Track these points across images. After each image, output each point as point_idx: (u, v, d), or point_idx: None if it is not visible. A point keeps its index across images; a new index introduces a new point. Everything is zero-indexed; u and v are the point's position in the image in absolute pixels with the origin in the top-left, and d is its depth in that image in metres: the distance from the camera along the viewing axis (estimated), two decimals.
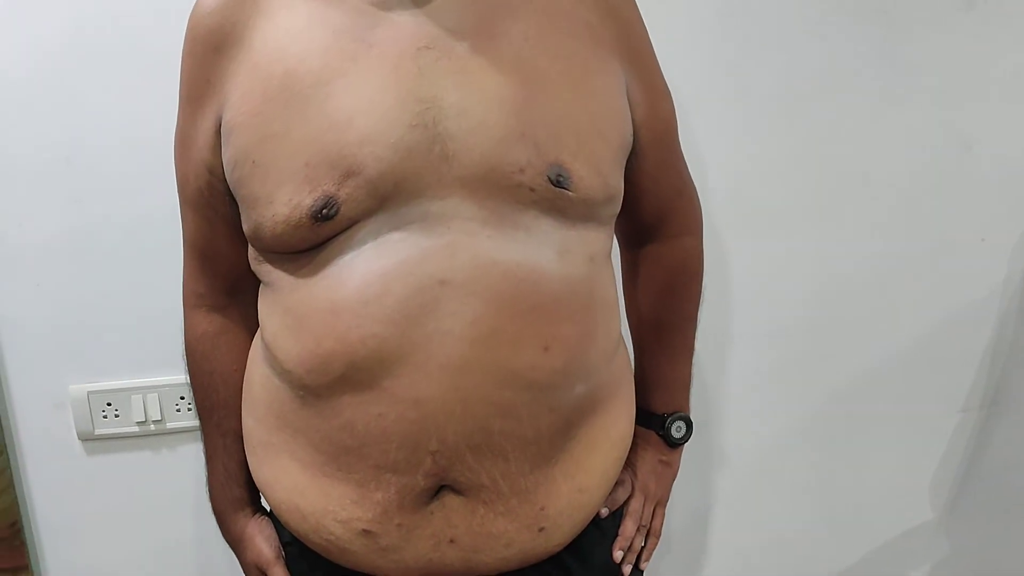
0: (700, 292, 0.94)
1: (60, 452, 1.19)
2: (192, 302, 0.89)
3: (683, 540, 1.38)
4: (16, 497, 1.19)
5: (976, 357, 1.35)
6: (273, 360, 0.76)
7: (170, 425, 1.19)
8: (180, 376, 1.15)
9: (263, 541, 0.86)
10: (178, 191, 0.84)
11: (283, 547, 0.85)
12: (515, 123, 0.70)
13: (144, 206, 1.11)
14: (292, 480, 0.76)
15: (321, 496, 0.74)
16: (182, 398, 1.18)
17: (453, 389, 0.69)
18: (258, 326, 0.81)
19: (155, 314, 1.13)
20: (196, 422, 1.16)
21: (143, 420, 1.18)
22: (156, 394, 1.17)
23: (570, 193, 0.71)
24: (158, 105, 1.06)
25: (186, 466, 1.22)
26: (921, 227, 1.28)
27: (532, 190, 0.70)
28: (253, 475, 0.83)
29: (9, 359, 1.15)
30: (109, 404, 1.17)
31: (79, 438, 1.18)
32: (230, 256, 0.83)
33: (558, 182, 0.70)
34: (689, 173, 0.92)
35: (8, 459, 1.17)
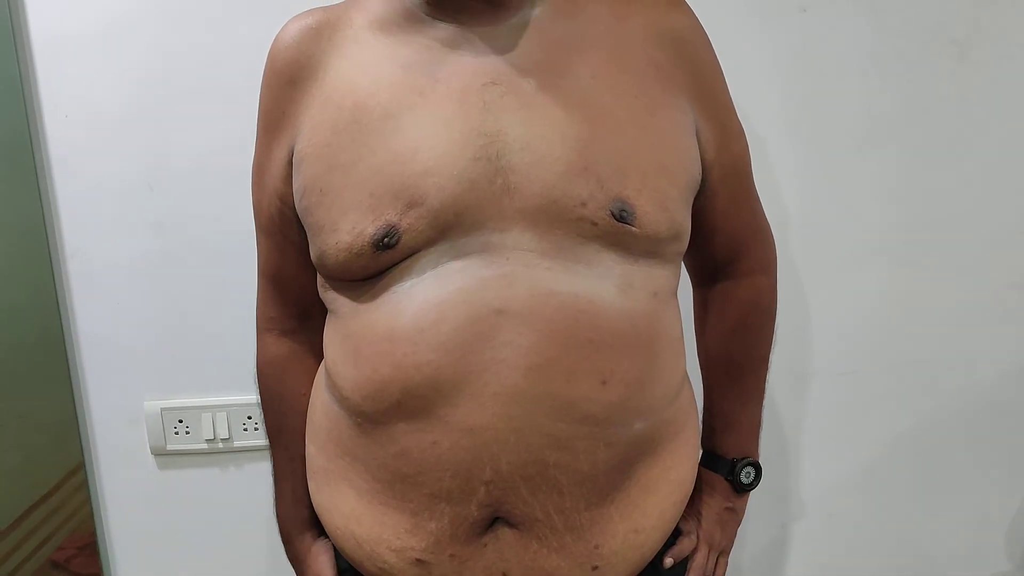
0: (773, 333, 0.92)
1: (134, 466, 1.23)
2: (264, 326, 0.91)
3: None
4: (92, 508, 1.23)
5: None
6: (333, 387, 0.77)
7: (237, 444, 1.22)
8: (248, 396, 1.20)
9: (325, 563, 0.86)
10: (254, 218, 0.87)
11: (341, 573, 0.85)
12: (578, 158, 0.70)
13: (220, 231, 1.15)
14: (349, 507, 0.77)
15: (376, 524, 0.74)
16: (249, 418, 1.21)
17: (507, 418, 0.68)
18: None
19: (226, 336, 1.18)
20: (261, 441, 1.21)
21: (212, 438, 1.21)
22: (225, 413, 1.21)
23: (634, 229, 0.70)
24: (235, 135, 1.11)
25: (251, 484, 1.25)
26: (1003, 268, 1.23)
27: (594, 224, 0.70)
28: (313, 500, 0.84)
29: (89, 375, 1.19)
30: (181, 421, 1.21)
31: (152, 453, 1.23)
32: (300, 282, 0.85)
33: (621, 217, 0.70)
34: (763, 212, 0.90)
35: (85, 471, 1.22)
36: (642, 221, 0.71)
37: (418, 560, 0.72)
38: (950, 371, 1.27)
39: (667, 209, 0.73)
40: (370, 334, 0.72)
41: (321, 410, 0.81)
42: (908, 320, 1.25)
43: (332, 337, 0.79)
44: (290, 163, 0.78)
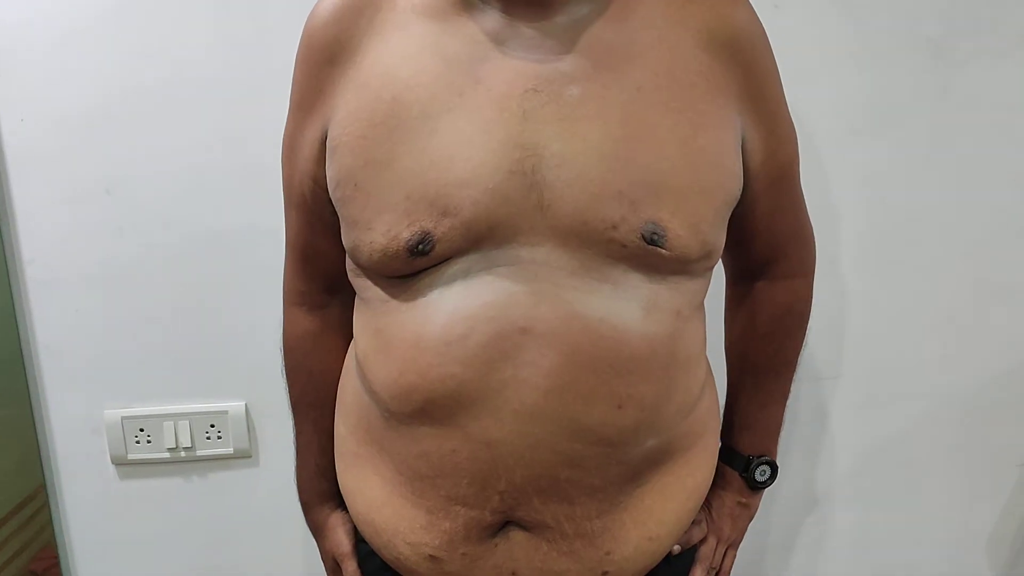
0: (803, 336, 0.91)
1: (95, 475, 1.21)
2: (293, 299, 0.90)
3: None
4: (52, 518, 1.21)
5: None
6: (363, 377, 0.78)
7: (200, 452, 1.20)
8: (211, 404, 1.19)
9: (344, 534, 0.89)
10: (283, 191, 0.85)
11: (359, 543, 0.87)
12: (614, 178, 0.69)
13: (181, 238, 1.13)
14: (373, 494, 0.78)
15: (394, 516, 0.76)
16: (212, 426, 1.19)
17: (524, 435, 0.70)
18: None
19: (188, 343, 1.16)
20: (225, 450, 1.20)
21: (174, 447, 1.19)
22: (187, 421, 1.19)
23: (663, 251, 0.70)
24: (195, 140, 1.10)
25: (215, 493, 1.23)
26: (981, 270, 1.21)
27: (624, 246, 0.69)
28: (339, 480, 0.85)
29: (48, 383, 1.17)
30: (142, 430, 1.18)
31: (113, 462, 1.20)
32: (331, 257, 0.84)
33: (652, 240, 0.69)
34: (807, 215, 0.89)
35: (45, 481, 1.20)
36: (673, 244, 0.70)
37: (431, 556, 0.75)
38: (929, 374, 1.25)
39: (700, 231, 0.72)
40: (399, 337, 0.73)
41: (352, 395, 0.82)
42: (882, 322, 1.23)
43: (363, 326, 0.79)
44: (323, 144, 0.77)
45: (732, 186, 0.76)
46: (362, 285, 0.78)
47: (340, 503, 0.89)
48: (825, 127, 1.15)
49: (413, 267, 0.71)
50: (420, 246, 0.69)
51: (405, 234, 0.69)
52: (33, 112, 1.09)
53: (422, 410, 0.72)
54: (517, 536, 0.74)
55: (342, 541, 0.88)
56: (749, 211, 0.81)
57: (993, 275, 1.21)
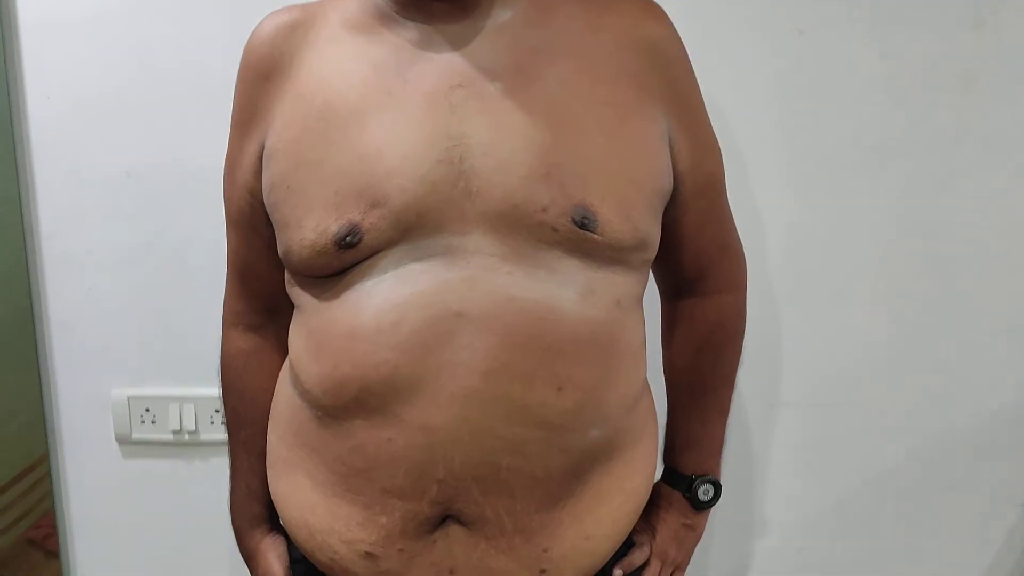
0: (739, 352, 0.91)
1: (98, 453, 1.22)
2: (230, 320, 0.91)
3: None
4: (52, 489, 1.23)
5: None
6: (296, 380, 0.78)
7: (203, 436, 1.21)
8: (216, 389, 1.19)
9: (275, 558, 0.87)
10: (224, 211, 0.87)
11: (293, 564, 0.86)
12: (540, 164, 0.70)
13: (194, 225, 1.14)
14: (304, 497, 0.77)
15: (329, 515, 0.75)
16: (216, 411, 1.20)
17: (462, 420, 0.69)
18: None
19: (197, 328, 1.16)
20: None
21: (178, 429, 1.20)
22: (192, 405, 1.20)
23: (596, 236, 0.71)
24: (213, 129, 1.10)
25: (216, 477, 1.22)
26: (991, 306, 1.20)
27: (555, 230, 0.70)
28: (270, 489, 0.84)
29: (58, 356, 1.19)
30: (147, 410, 1.20)
31: (117, 441, 1.22)
32: (268, 276, 0.86)
33: (583, 224, 0.70)
34: (735, 229, 0.89)
35: (48, 451, 1.21)
36: (604, 229, 0.71)
37: (367, 553, 0.73)
38: (929, 409, 1.24)
39: (630, 218, 0.73)
40: (332, 331, 0.73)
41: (284, 402, 0.82)
42: (887, 354, 1.22)
43: (297, 331, 0.79)
44: (260, 157, 0.79)
45: (662, 177, 0.77)
46: (296, 293, 0.79)
47: (273, 526, 0.89)
48: (843, 155, 1.15)
49: (343, 261, 0.72)
50: (348, 238, 0.70)
51: (333, 227, 0.71)
52: (60, 90, 1.11)
53: (356, 400, 0.71)
54: (456, 532, 0.73)
55: (272, 566, 0.87)
56: (679, 217, 0.82)
57: (999, 311, 1.21)
